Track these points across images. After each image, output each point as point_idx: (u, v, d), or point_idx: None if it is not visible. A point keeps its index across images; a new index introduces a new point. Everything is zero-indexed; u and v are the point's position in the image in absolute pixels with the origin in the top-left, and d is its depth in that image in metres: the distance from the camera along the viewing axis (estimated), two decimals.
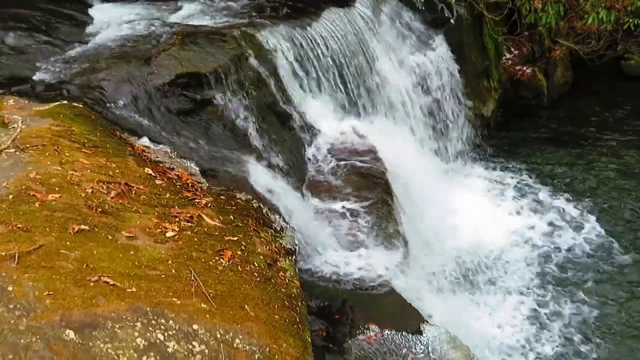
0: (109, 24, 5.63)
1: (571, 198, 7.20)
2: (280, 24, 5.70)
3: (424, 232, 5.69)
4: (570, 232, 6.70)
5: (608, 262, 6.30)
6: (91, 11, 5.95)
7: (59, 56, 4.82)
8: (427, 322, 3.69)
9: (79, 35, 5.34)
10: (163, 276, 2.66)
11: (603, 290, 5.95)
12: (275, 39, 5.47)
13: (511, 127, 8.77)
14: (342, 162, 5.17)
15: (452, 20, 7.69)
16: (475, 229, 6.54)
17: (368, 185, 5.03)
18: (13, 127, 3.41)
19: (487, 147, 8.26)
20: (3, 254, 2.36)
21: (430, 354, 3.38)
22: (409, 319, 3.74)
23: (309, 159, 5.23)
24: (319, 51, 5.77)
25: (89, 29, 5.54)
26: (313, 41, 5.76)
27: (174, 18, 5.90)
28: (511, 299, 5.84)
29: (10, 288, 2.21)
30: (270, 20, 5.75)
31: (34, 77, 4.41)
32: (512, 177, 7.68)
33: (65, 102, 3.95)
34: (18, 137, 3.27)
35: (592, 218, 6.87)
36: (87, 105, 3.98)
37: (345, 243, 4.48)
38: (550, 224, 6.84)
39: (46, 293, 2.24)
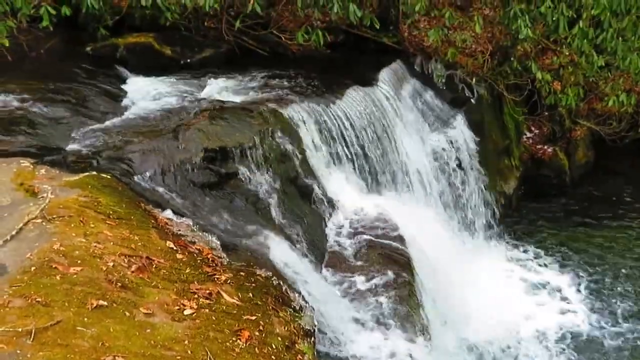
0: (141, 98, 5.88)
1: (593, 285, 6.95)
2: (305, 100, 5.88)
3: (446, 313, 5.49)
4: (586, 320, 6.41)
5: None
6: (125, 85, 6.23)
7: (92, 128, 4.99)
8: None
9: (112, 108, 5.56)
10: (179, 357, 2.58)
11: None
12: (300, 115, 5.61)
13: (533, 206, 8.65)
14: (363, 239, 5.11)
15: (472, 100, 7.84)
16: (496, 314, 6.30)
17: (389, 263, 4.93)
18: (42, 197, 3.48)
19: (509, 225, 8.13)
20: (20, 330, 2.33)
21: None
22: None
23: (330, 234, 5.18)
24: (342, 128, 5.89)
25: (122, 102, 5.77)
26: (337, 118, 5.89)
27: (202, 94, 6.13)
28: None
29: None
30: (296, 97, 5.93)
31: (67, 148, 4.55)
32: (533, 258, 7.49)
33: (94, 173, 4.04)
34: (46, 207, 3.33)
35: (607, 306, 6.60)
36: (115, 177, 4.06)
37: (365, 323, 4.33)
38: (565, 309, 6.56)
39: None
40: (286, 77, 6.65)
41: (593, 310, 6.56)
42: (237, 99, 5.97)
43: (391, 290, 4.56)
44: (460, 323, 5.58)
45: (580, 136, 9.10)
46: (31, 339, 2.30)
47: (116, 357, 2.39)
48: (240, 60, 7.08)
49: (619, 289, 6.87)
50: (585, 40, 7.27)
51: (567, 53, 7.81)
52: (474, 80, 7.81)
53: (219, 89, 6.34)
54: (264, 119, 5.30)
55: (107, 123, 5.13)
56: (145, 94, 5.98)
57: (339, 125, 5.87)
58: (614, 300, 6.70)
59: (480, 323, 5.92)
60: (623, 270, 7.21)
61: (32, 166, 3.97)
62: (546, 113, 8.85)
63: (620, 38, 7.22)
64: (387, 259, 4.90)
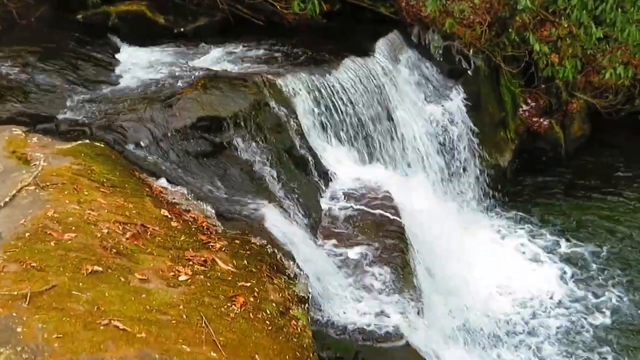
0: (134, 67, 5.80)
1: (586, 255, 7.03)
2: (301, 70, 5.82)
3: (439, 284, 5.56)
4: (578, 293, 6.50)
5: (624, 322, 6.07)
6: (118, 54, 6.15)
7: (85, 96, 4.94)
8: None
9: (105, 77, 5.49)
10: (174, 322, 2.60)
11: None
12: (296, 85, 5.56)
13: (528, 178, 8.68)
14: (358, 209, 5.13)
15: (469, 72, 7.78)
16: (490, 283, 6.38)
17: (383, 233, 4.96)
18: (35, 165, 3.46)
19: (502, 197, 8.17)
20: (15, 293, 2.34)
21: None
22: None
23: (324, 204, 5.20)
24: (338, 98, 5.84)
25: (114, 71, 5.70)
26: (332, 88, 5.85)
27: (196, 63, 6.06)
28: (525, 354, 5.64)
29: (19, 329, 2.17)
30: (291, 68, 5.87)
31: (59, 116, 4.51)
32: (527, 229, 7.54)
33: (87, 141, 4.02)
34: (39, 174, 3.31)
35: (606, 277, 6.68)
36: (108, 145, 4.04)
37: (359, 292, 4.38)
38: (564, 279, 6.65)
39: (55, 336, 2.20)
40: (281, 46, 6.57)
41: (584, 280, 6.65)
42: (232, 68, 5.91)
43: (385, 259, 4.60)
44: (453, 292, 5.65)
45: (576, 109, 9.08)
46: (26, 303, 2.31)
47: (112, 321, 2.41)
48: (234, 30, 6.97)
49: (611, 259, 6.94)
50: (584, 11, 7.18)
51: (565, 25, 7.72)
52: (471, 51, 7.73)
53: (213, 58, 6.27)
54: (258, 88, 5.25)
55: (100, 92, 5.08)
56: (138, 62, 5.90)
57: (334, 95, 5.83)
58: (605, 270, 6.77)
59: (473, 292, 6.01)
60: (616, 241, 7.28)
61: (24, 134, 3.94)
62: (543, 85, 8.80)
63: (619, 9, 7.14)
64: (381, 229, 4.92)
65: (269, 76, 5.48)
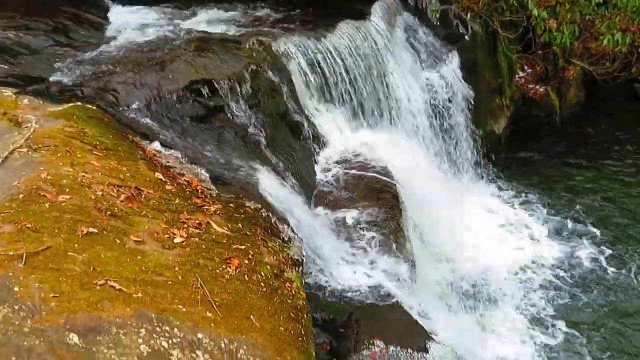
0: (125, 28, 5.68)
1: (578, 220, 7.12)
2: (295, 34, 5.72)
3: (431, 248, 5.64)
4: (571, 257, 6.61)
5: (612, 286, 6.20)
6: (109, 15, 6.00)
7: (75, 58, 4.86)
8: (433, 339, 3.63)
9: (95, 39, 5.39)
10: (169, 282, 2.64)
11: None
12: (290, 48, 5.48)
13: (522, 145, 8.70)
14: (352, 174, 5.15)
15: (466, 37, 7.68)
16: (482, 248, 6.47)
17: (377, 198, 5.00)
18: (26, 127, 3.42)
19: (497, 164, 8.20)
20: (11, 253, 2.35)
21: None
22: (414, 335, 3.68)
23: (319, 169, 5.20)
24: (333, 62, 5.77)
25: (106, 33, 5.59)
26: (327, 52, 5.77)
27: (189, 25, 5.94)
28: (517, 319, 5.77)
29: (16, 289, 2.19)
30: (286, 31, 5.77)
31: (49, 78, 4.43)
32: (520, 196, 7.61)
33: (79, 104, 3.97)
34: (31, 137, 3.28)
35: (596, 244, 6.78)
36: (100, 108, 3.99)
37: (352, 255, 4.44)
38: (554, 246, 6.75)
39: (52, 295, 2.23)
40: (275, 9, 6.44)
41: (575, 248, 6.74)
42: (225, 31, 5.80)
43: (378, 225, 4.64)
44: (444, 256, 5.74)
45: (572, 76, 9.03)
46: (22, 263, 2.32)
47: (108, 281, 2.44)
48: None
49: (602, 226, 7.02)
50: None
51: None
52: (468, 15, 7.61)
53: (205, 20, 6.14)
54: (252, 52, 5.18)
55: (91, 53, 4.98)
56: (129, 24, 5.78)
57: (329, 60, 5.75)
58: (596, 238, 6.86)
59: (465, 258, 6.10)
60: (608, 209, 7.36)
61: (14, 96, 3.88)
62: (540, 52, 8.72)
63: None
64: (375, 194, 4.95)
65: (264, 39, 5.39)
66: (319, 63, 5.65)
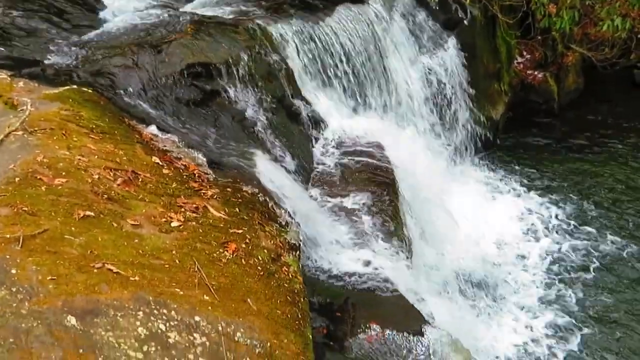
0: (121, 10, 5.61)
1: (575, 206, 7.15)
2: (293, 17, 5.66)
3: (428, 234, 5.65)
4: (569, 242, 6.64)
5: (611, 273, 6.24)
6: None
7: (71, 41, 4.79)
8: (429, 324, 3.66)
9: (91, 21, 5.31)
10: (167, 266, 2.64)
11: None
12: (288, 32, 5.43)
13: (520, 131, 8.70)
14: (350, 159, 5.14)
15: (465, 22, 7.63)
16: (478, 234, 6.50)
17: (374, 182, 4.99)
18: (22, 110, 3.39)
19: (494, 150, 8.21)
20: (8, 236, 2.35)
21: (431, 356, 3.36)
22: (411, 320, 3.71)
23: (317, 154, 5.19)
24: (331, 46, 5.73)
25: (102, 15, 5.51)
26: (325, 36, 5.72)
27: (186, 7, 5.87)
28: (510, 303, 5.83)
29: (13, 271, 2.20)
30: (284, 14, 5.71)
31: (45, 61, 4.39)
32: (516, 182, 7.63)
33: (75, 86, 3.93)
34: (27, 119, 3.26)
35: (596, 228, 6.82)
36: (96, 91, 3.96)
37: (349, 240, 4.45)
38: (552, 232, 6.79)
39: (49, 278, 2.23)
40: None
41: (571, 234, 6.78)
42: (222, 14, 5.73)
43: (375, 209, 4.65)
44: (442, 241, 5.76)
45: (571, 62, 9.00)
46: (20, 246, 2.32)
47: (105, 264, 2.44)
48: None
49: (600, 212, 7.06)
50: None
51: None
52: (468, 0, 7.55)
53: (202, 2, 6.07)
54: (250, 35, 5.13)
55: (86, 36, 4.92)
56: (125, 6, 5.70)
57: (327, 44, 5.71)
58: (595, 224, 6.89)
59: (462, 242, 6.12)
60: (606, 193, 7.39)
61: (9, 78, 3.84)
62: (539, 37, 8.69)
63: None
64: (372, 179, 4.95)
65: (261, 23, 5.34)
66: (317, 47, 5.60)
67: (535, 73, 8.89)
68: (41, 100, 3.59)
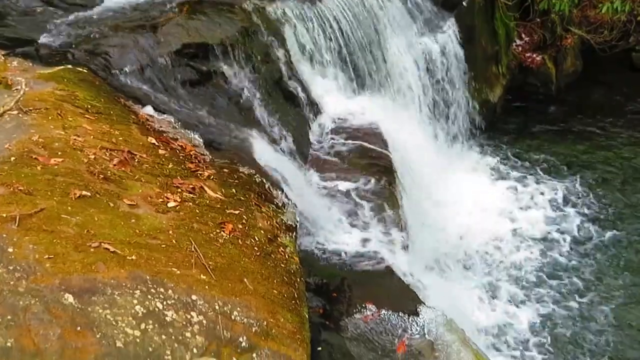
0: None
1: (572, 189, 7.18)
2: None
3: (424, 216, 5.68)
4: (566, 224, 6.69)
5: (605, 257, 6.30)
6: None
7: (65, 20, 4.74)
8: (424, 304, 3.69)
9: (86, 1, 5.24)
10: (163, 246, 2.65)
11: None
12: (285, 13, 5.38)
13: (517, 114, 8.69)
14: (346, 141, 5.13)
15: (464, 3, 7.56)
16: (475, 216, 6.53)
17: (371, 165, 5.00)
18: (17, 89, 3.37)
19: (492, 133, 8.20)
20: (4, 215, 2.35)
21: (426, 336, 3.40)
22: (406, 300, 3.74)
23: (314, 136, 5.18)
24: (328, 27, 5.68)
25: None
26: (322, 17, 5.67)
27: None
28: (505, 285, 5.90)
29: (10, 250, 2.20)
30: None
31: (39, 40, 4.34)
32: (515, 165, 7.65)
33: (70, 66, 3.90)
34: (21, 99, 3.24)
35: (592, 211, 6.86)
36: (91, 71, 3.93)
37: (346, 222, 4.47)
38: (548, 214, 6.83)
39: (46, 256, 2.24)
40: None
41: (568, 216, 6.82)
42: None
43: (372, 192, 4.66)
44: (437, 224, 5.79)
45: (570, 45, 8.95)
46: (16, 225, 2.32)
47: (102, 244, 2.44)
48: None
49: (597, 195, 7.10)
50: None
51: None
52: None
53: None
54: (246, 15, 5.08)
55: (81, 15, 4.86)
56: None
57: (324, 25, 5.66)
58: (592, 207, 6.93)
59: (457, 224, 6.16)
60: (603, 175, 7.42)
61: (3, 57, 3.81)
62: (538, 19, 8.62)
63: None
64: (369, 162, 4.95)
65: (258, 3, 5.28)
66: (314, 28, 5.56)
67: (534, 55, 8.85)
68: (36, 80, 3.56)
